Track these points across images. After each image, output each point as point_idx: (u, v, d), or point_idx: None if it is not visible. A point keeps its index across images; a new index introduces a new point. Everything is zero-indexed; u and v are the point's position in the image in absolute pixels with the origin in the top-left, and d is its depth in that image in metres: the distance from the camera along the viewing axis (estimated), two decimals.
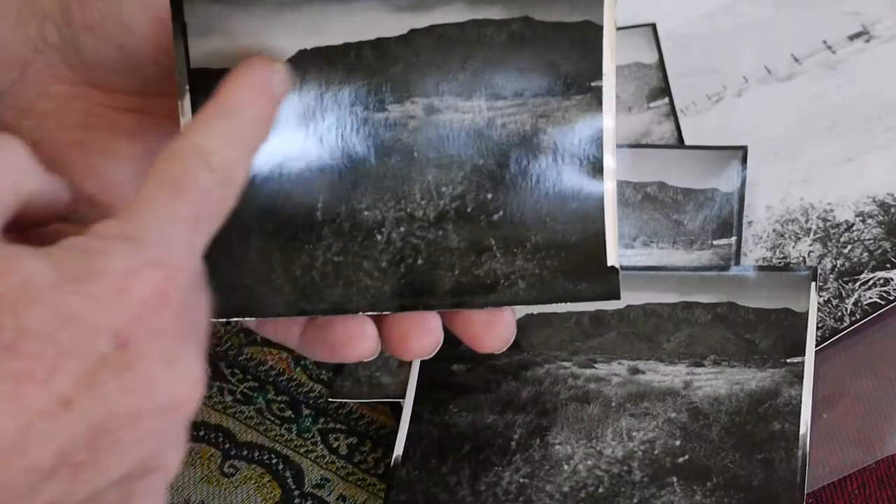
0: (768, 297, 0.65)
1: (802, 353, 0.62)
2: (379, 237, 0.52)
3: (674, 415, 0.61)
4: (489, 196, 0.53)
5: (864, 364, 0.64)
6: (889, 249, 0.68)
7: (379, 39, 0.52)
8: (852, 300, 0.66)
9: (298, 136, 0.52)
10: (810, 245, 0.68)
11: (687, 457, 0.60)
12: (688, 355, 0.63)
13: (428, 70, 0.50)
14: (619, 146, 0.72)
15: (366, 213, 0.52)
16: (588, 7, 0.52)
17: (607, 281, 0.53)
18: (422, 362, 0.65)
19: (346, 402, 0.67)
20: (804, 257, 0.68)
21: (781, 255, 0.68)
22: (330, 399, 0.67)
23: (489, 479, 0.61)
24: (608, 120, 0.53)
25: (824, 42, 0.77)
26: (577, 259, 0.53)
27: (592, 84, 0.53)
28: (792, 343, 0.63)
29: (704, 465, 0.60)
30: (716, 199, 0.70)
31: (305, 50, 0.52)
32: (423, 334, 0.52)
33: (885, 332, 0.65)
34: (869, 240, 0.68)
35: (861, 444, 0.62)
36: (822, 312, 0.65)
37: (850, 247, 0.68)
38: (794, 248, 0.69)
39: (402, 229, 0.52)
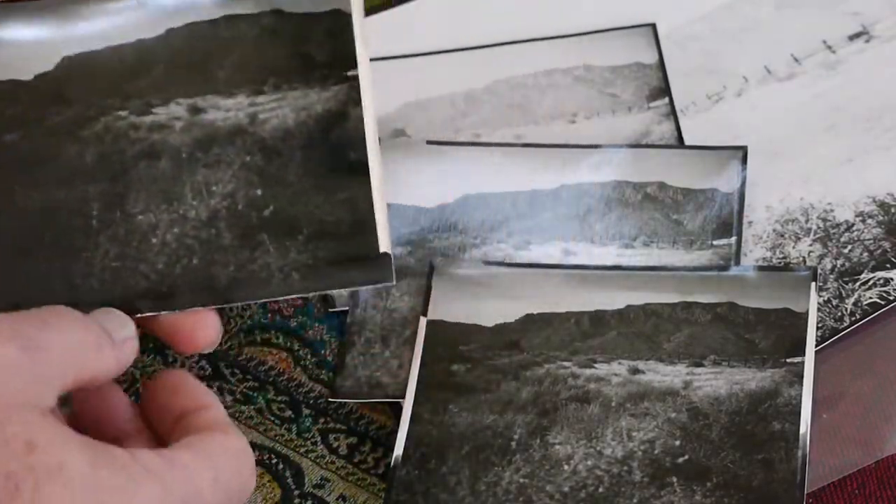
0: (768, 297, 0.65)
1: (802, 353, 0.62)
2: (154, 240, 0.53)
3: (674, 415, 0.61)
4: (259, 192, 0.53)
5: (864, 364, 0.64)
6: (889, 249, 0.67)
7: (139, 41, 0.52)
8: (852, 300, 0.66)
9: (68, 146, 0.52)
10: (810, 245, 0.68)
11: (687, 457, 0.60)
12: (688, 355, 0.63)
13: (188, 70, 0.50)
14: (618, 146, 0.72)
15: (140, 217, 0.53)
16: None
17: (379, 266, 0.53)
18: (422, 362, 0.65)
19: (346, 402, 0.67)
20: (804, 257, 0.68)
21: (781, 255, 0.68)
22: (330, 399, 0.67)
23: (489, 479, 0.61)
24: (367, 107, 0.53)
25: (824, 42, 0.77)
26: (349, 247, 0.53)
27: (348, 73, 0.53)
28: (792, 343, 0.63)
29: (704, 465, 0.60)
30: (716, 199, 0.70)
31: (70, 56, 0.52)
32: (204, 329, 0.54)
33: (885, 332, 0.65)
34: (869, 240, 0.68)
35: (861, 444, 0.62)
36: (822, 312, 0.65)
37: (850, 247, 0.68)
38: (794, 248, 0.69)
39: (176, 230, 0.53)
